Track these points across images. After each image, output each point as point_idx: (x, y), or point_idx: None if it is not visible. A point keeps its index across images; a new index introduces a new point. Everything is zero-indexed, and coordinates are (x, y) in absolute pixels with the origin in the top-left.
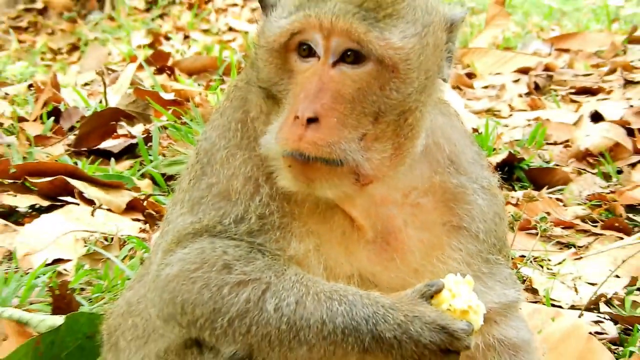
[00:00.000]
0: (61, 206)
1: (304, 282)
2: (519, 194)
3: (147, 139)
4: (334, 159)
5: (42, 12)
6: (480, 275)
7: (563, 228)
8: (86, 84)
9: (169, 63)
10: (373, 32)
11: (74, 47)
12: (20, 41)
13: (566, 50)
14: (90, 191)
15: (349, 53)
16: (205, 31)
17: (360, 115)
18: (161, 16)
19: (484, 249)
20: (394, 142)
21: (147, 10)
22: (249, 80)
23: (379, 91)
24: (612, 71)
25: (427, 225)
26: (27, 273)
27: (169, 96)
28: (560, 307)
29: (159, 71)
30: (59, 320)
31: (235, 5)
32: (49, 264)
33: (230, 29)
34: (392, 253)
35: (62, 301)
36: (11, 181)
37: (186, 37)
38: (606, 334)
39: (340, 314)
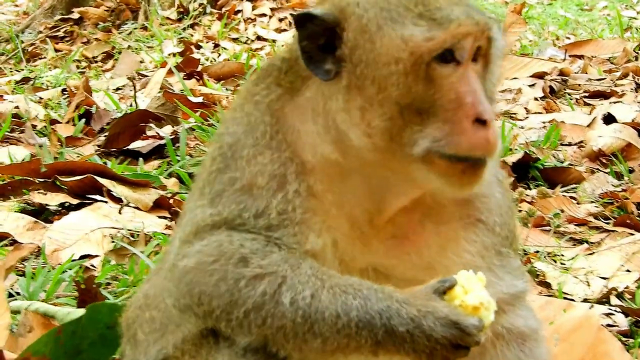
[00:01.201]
0: (90, 204)
1: (319, 276)
2: (534, 192)
3: (175, 140)
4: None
5: (78, 22)
6: (492, 267)
7: (576, 225)
8: (118, 89)
9: (198, 69)
10: (499, 32)
11: (108, 56)
12: (56, 50)
13: (580, 57)
14: (118, 189)
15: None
16: (235, 40)
17: None
18: (192, 26)
19: (498, 242)
20: None
21: (179, 20)
22: (274, 85)
23: (489, 83)
24: (624, 76)
25: (444, 218)
26: (55, 268)
27: (197, 99)
28: (572, 300)
29: (189, 76)
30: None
31: (263, 15)
32: (76, 260)
33: (259, 38)
34: (409, 247)
35: (87, 295)
36: (42, 180)
37: (216, 45)
38: (617, 326)
39: (355, 308)
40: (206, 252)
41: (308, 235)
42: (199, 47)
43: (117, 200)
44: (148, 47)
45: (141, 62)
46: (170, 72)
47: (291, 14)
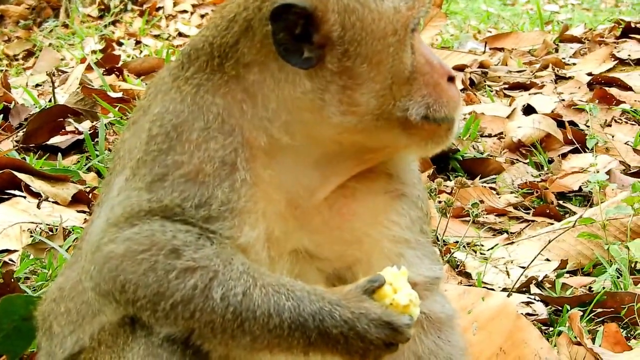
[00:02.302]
0: (8, 199)
1: (251, 273)
2: (452, 183)
3: (94, 135)
4: None
5: None
6: (416, 244)
7: (496, 215)
8: (38, 85)
9: (119, 65)
10: None
11: (29, 54)
12: None
13: (500, 49)
14: (36, 184)
15: None
16: (156, 36)
17: None
18: (114, 23)
19: (421, 218)
20: None
21: (100, 17)
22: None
23: None
24: (544, 67)
25: (372, 192)
26: None
27: (117, 95)
28: (492, 289)
29: (109, 72)
30: None
31: (185, 12)
32: None
33: (180, 34)
34: (340, 220)
35: (6, 289)
36: None
37: (138, 42)
38: (537, 314)
39: (287, 310)
40: (137, 240)
41: (243, 228)
42: (120, 44)
43: (36, 195)
44: (69, 44)
45: (62, 59)
46: (90, 69)
47: (212, 10)
